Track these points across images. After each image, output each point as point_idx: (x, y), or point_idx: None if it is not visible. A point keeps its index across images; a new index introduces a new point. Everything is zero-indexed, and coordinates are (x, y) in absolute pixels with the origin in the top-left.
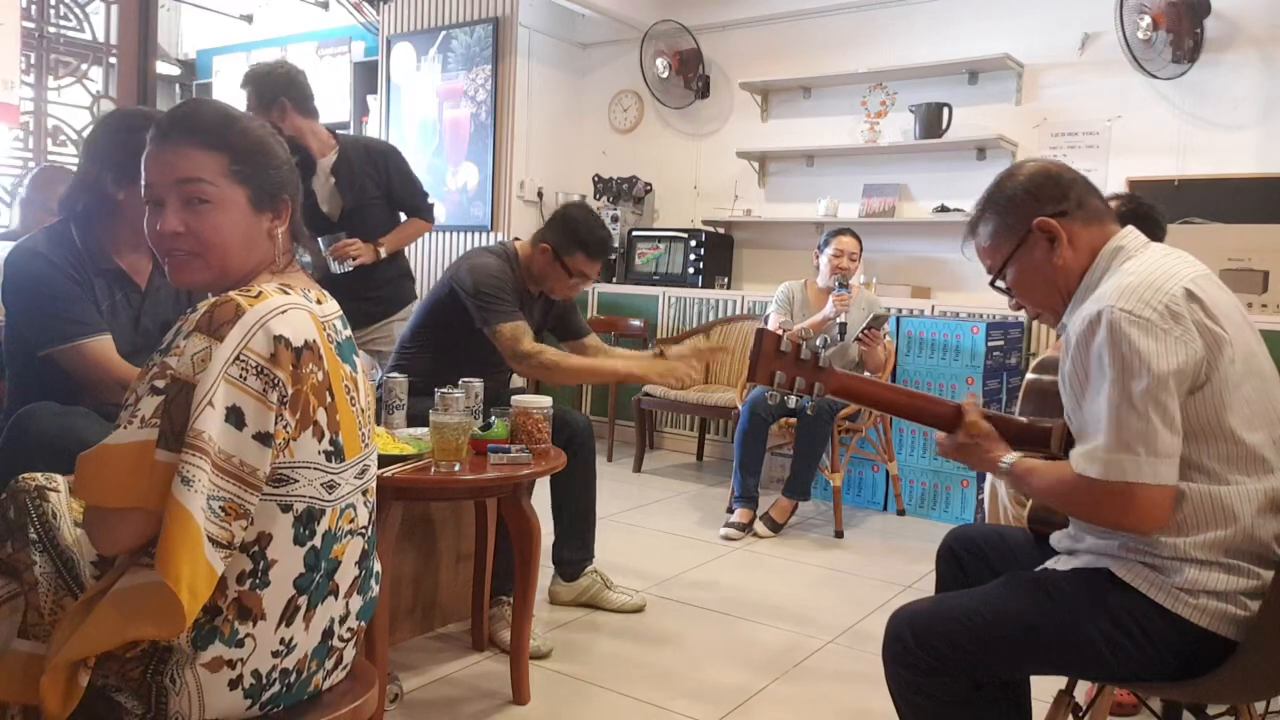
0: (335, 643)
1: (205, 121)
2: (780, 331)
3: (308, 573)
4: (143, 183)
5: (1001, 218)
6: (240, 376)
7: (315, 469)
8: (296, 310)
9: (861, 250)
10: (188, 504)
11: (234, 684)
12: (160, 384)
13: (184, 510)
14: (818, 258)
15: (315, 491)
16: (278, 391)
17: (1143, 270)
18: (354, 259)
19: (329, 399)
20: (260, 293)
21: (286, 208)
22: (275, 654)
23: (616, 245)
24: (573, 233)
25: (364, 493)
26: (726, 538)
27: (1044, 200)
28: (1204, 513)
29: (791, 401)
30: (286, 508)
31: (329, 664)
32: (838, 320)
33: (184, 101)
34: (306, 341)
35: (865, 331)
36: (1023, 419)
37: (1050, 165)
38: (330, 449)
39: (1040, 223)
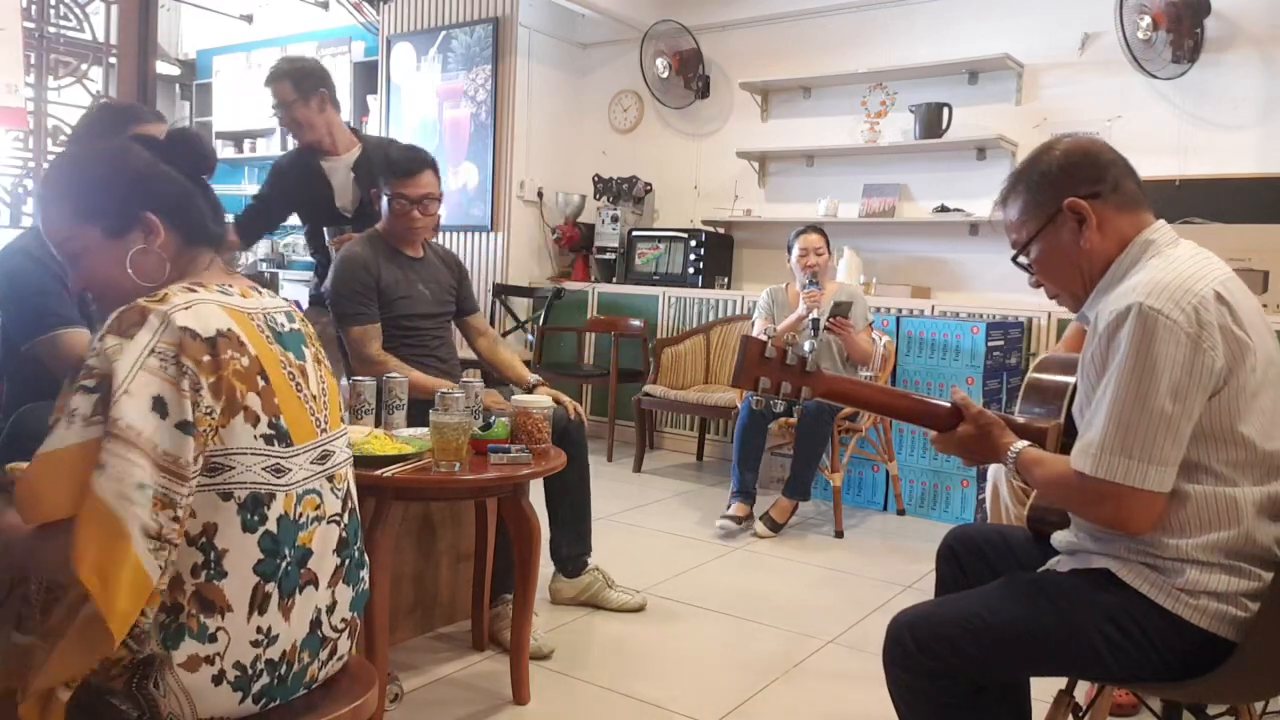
0: (328, 633)
1: (50, 183)
2: (765, 338)
3: (268, 559)
4: None
5: (1032, 193)
6: (160, 366)
7: (254, 454)
8: (202, 304)
9: (828, 244)
10: (103, 493)
11: (218, 680)
12: (90, 383)
13: (97, 499)
14: (789, 261)
15: (258, 477)
16: (189, 380)
17: (1175, 268)
18: None
19: (261, 383)
20: (164, 295)
21: (153, 221)
22: (255, 644)
23: (618, 246)
24: (383, 166)
25: (330, 479)
26: (721, 529)
27: (1078, 180)
28: (1208, 515)
29: (779, 406)
30: (227, 495)
31: (323, 655)
32: (810, 317)
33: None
34: (219, 330)
35: (831, 320)
36: (1019, 418)
37: (1090, 144)
38: (270, 432)
39: (1071, 203)
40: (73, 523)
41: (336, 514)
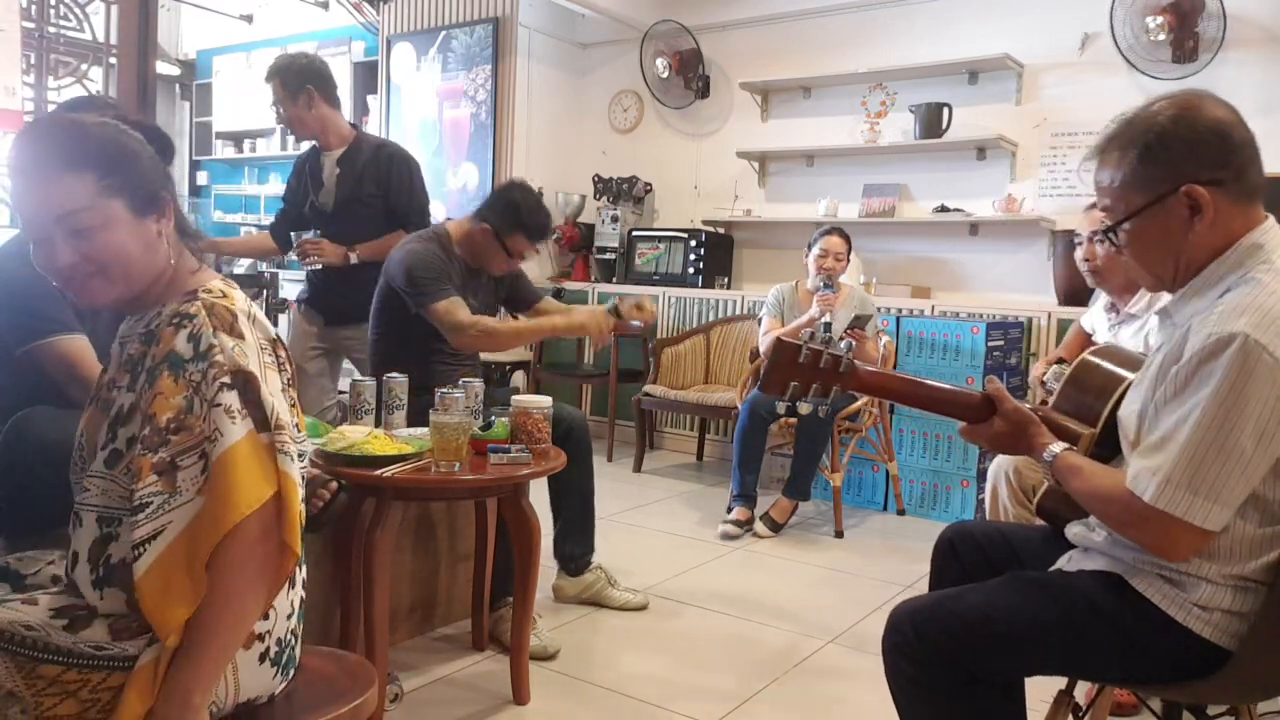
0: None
1: (62, 145)
2: (803, 340)
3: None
4: (20, 218)
5: (1145, 165)
6: (273, 362)
7: (294, 442)
8: (252, 304)
9: (850, 250)
10: (293, 473)
11: (264, 657)
12: (228, 380)
13: (292, 480)
14: (806, 258)
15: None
16: (284, 376)
17: None
18: (317, 258)
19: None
20: (224, 292)
21: (168, 205)
22: (288, 617)
23: (618, 246)
24: (514, 215)
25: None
26: (724, 535)
27: (1203, 161)
28: (1242, 549)
29: (804, 408)
30: None
31: (299, 625)
32: (823, 320)
33: (28, 128)
34: (275, 331)
35: (849, 331)
36: (1057, 415)
37: (1224, 114)
38: (295, 421)
39: (1189, 189)
40: (271, 506)
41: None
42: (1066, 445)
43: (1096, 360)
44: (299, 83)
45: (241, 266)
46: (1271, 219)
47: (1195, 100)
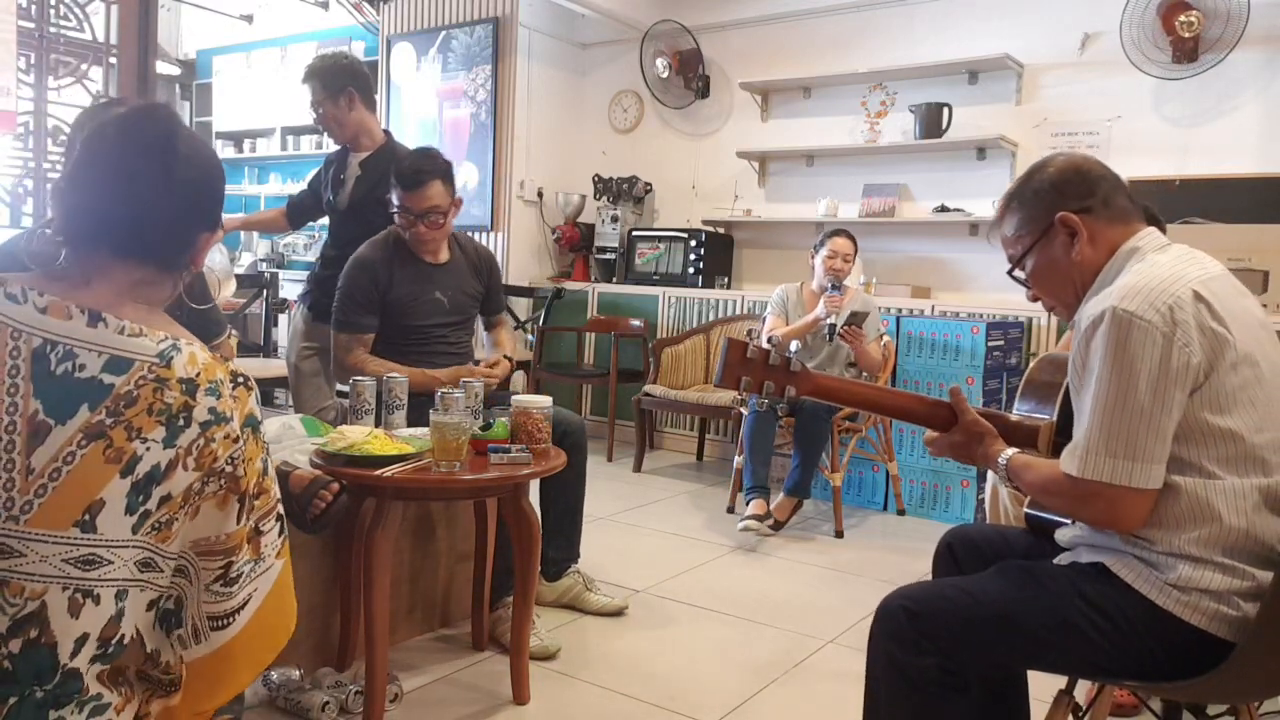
0: None
1: None
2: (749, 339)
3: None
4: None
5: (1026, 209)
6: None
7: None
8: None
9: (857, 252)
10: None
11: None
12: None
13: None
14: (813, 258)
15: None
16: None
17: (1153, 271)
18: None
19: None
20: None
21: None
22: None
23: (618, 246)
24: (394, 173)
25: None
26: (745, 529)
27: (1069, 196)
28: (1200, 510)
29: (763, 406)
30: None
31: None
32: (828, 321)
33: None
34: None
35: (844, 328)
36: (1013, 416)
37: (1081, 161)
38: None
39: (1062, 217)
40: None
41: None
42: (1017, 450)
43: (1040, 370)
44: (340, 84)
45: (242, 266)
46: (1152, 229)
47: (1065, 157)
